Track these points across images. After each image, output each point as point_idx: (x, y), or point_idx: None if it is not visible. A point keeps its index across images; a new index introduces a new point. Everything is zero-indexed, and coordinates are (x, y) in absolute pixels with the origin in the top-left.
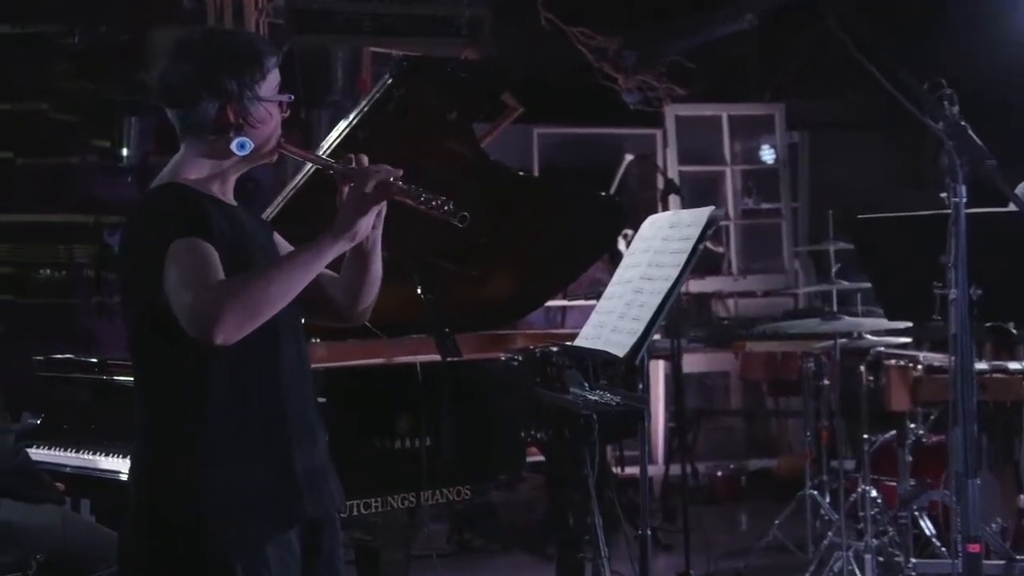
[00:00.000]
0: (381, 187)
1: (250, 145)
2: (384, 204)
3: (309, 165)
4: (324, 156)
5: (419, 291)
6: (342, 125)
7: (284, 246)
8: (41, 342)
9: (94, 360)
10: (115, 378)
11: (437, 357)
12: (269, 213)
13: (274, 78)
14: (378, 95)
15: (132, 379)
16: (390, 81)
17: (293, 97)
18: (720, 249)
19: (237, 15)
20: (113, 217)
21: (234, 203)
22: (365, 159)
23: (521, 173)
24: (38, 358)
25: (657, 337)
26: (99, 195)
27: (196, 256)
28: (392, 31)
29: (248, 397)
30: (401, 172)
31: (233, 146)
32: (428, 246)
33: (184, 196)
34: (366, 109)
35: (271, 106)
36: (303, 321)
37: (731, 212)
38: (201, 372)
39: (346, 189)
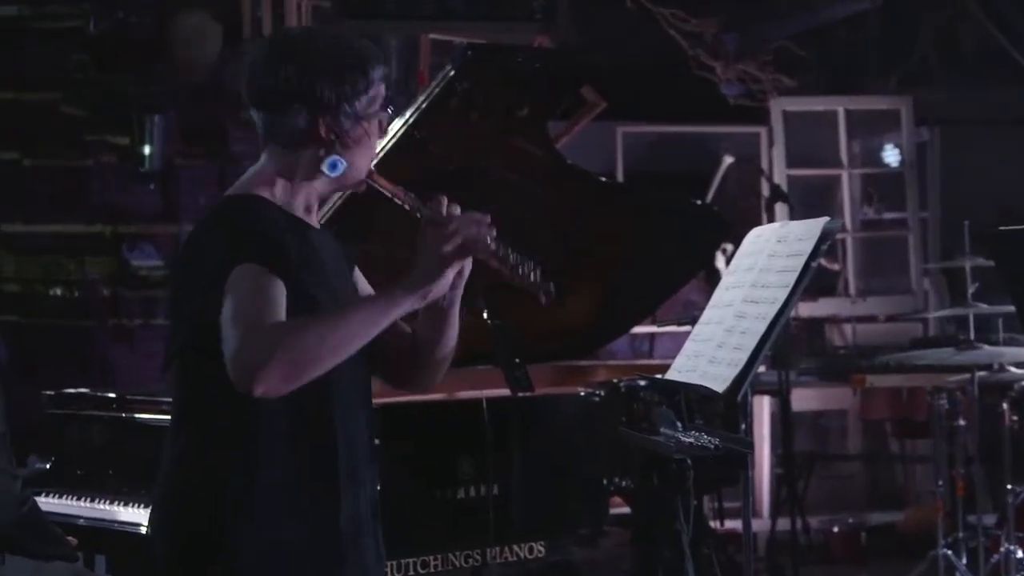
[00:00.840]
0: (468, 245)
1: (343, 166)
2: (468, 261)
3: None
4: (415, 196)
5: (485, 315)
6: (396, 124)
7: (363, 287)
8: (51, 372)
9: (112, 395)
10: (136, 416)
11: (506, 391)
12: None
13: (377, 93)
14: (438, 89)
15: (169, 410)
16: (452, 73)
17: (392, 112)
18: (836, 267)
19: None
20: (133, 227)
21: (318, 225)
22: (456, 208)
23: (602, 179)
24: (48, 393)
25: (762, 369)
26: (117, 202)
27: (257, 290)
28: (455, 15)
29: (300, 443)
30: (494, 230)
31: (325, 165)
32: None
33: (263, 214)
34: (424, 106)
35: (369, 126)
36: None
37: (848, 223)
38: (250, 410)
39: (428, 233)
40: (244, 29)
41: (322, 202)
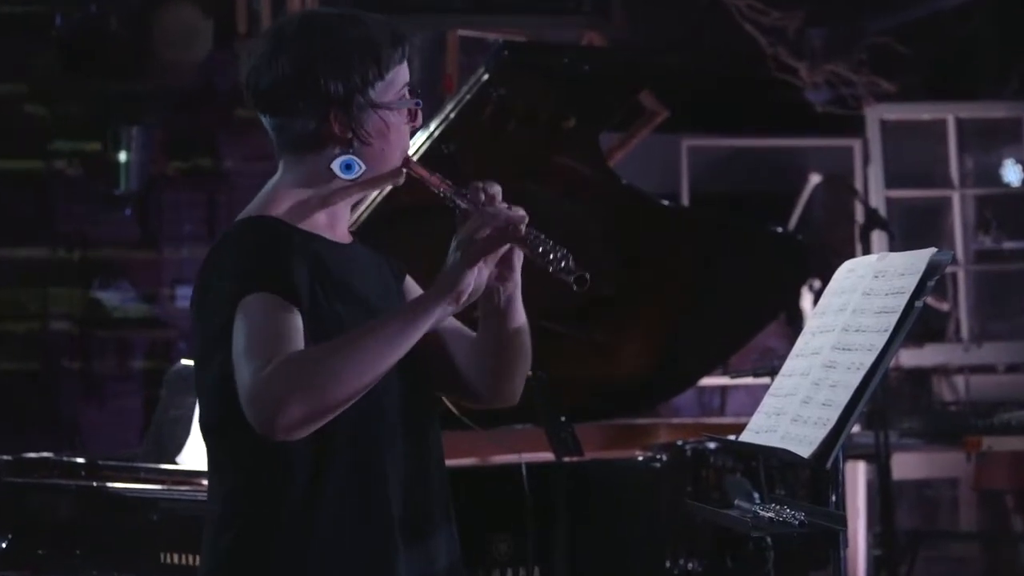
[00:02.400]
0: (497, 233)
1: (359, 166)
2: (518, 253)
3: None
4: (454, 184)
5: None
6: (420, 137)
7: (414, 295)
8: (6, 431)
9: (80, 460)
10: (108, 486)
11: (549, 456)
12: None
13: (399, 77)
14: (469, 96)
15: (148, 478)
16: (486, 77)
17: (421, 102)
18: (945, 306)
19: None
20: (103, 251)
21: (347, 239)
22: (497, 189)
23: (664, 202)
24: (3, 458)
25: (856, 430)
26: (87, 226)
27: (268, 320)
28: (488, 7)
29: (342, 496)
30: (526, 217)
31: (336, 166)
32: (536, 301)
33: (270, 236)
34: (452, 115)
35: (392, 114)
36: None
37: (960, 254)
38: (280, 470)
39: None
40: (238, 25)
41: (357, 206)
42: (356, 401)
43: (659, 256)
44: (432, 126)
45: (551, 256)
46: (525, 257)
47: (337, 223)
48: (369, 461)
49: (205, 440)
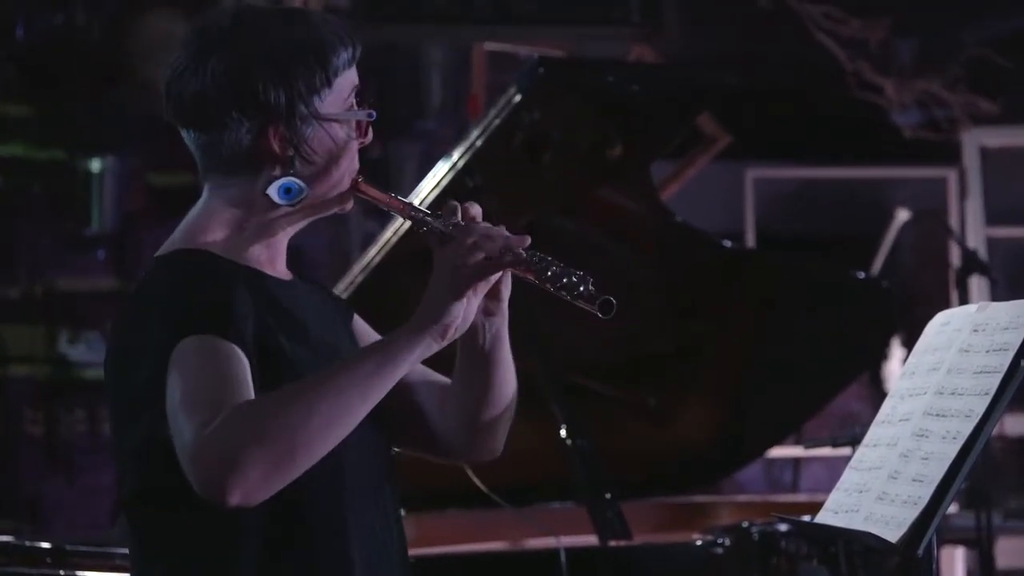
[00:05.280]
0: (493, 258)
1: (299, 189)
2: (507, 280)
3: (398, 220)
4: (419, 206)
5: (562, 432)
6: (442, 167)
7: (369, 339)
8: None
9: (46, 545)
10: (77, 574)
11: (593, 539)
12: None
13: (346, 83)
14: (498, 120)
15: (124, 565)
16: (518, 98)
17: (375, 113)
18: None
19: None
20: (73, 300)
21: (287, 275)
22: (478, 211)
23: (726, 243)
24: None
25: (953, 510)
26: (54, 276)
27: (209, 364)
28: (520, 18)
29: (302, 561)
30: (527, 239)
31: (273, 191)
32: (575, 357)
33: (201, 269)
34: (479, 143)
35: (339, 128)
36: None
37: None
38: (227, 543)
39: (440, 251)
40: None
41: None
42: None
43: (720, 307)
44: (455, 155)
45: (565, 280)
46: (533, 282)
47: (276, 257)
48: (331, 530)
49: (127, 516)
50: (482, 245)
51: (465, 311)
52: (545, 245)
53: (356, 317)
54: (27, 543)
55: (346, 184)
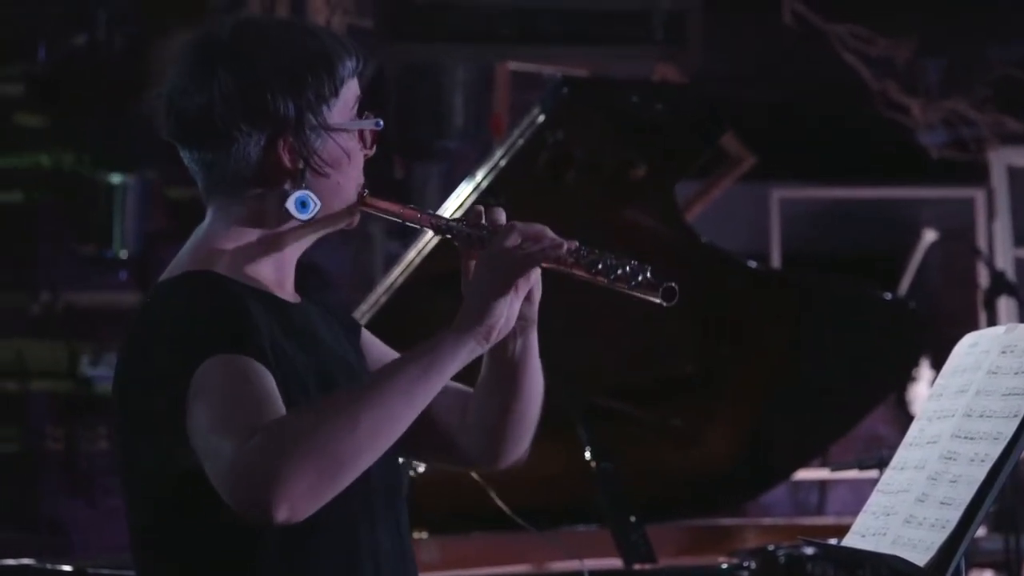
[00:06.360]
0: (533, 251)
1: (314, 203)
2: (537, 282)
3: (425, 236)
4: (437, 214)
5: (587, 454)
6: (465, 188)
7: (381, 354)
8: None
9: (67, 568)
10: None
11: (617, 562)
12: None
13: (350, 93)
14: (522, 140)
15: None
16: (542, 118)
17: (382, 123)
18: None
19: (296, 13)
20: (94, 322)
21: (296, 298)
22: (503, 215)
23: (751, 264)
24: None
25: (982, 533)
26: (74, 291)
27: (236, 384)
28: (544, 37)
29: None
30: (575, 242)
31: (290, 204)
32: (599, 378)
33: (212, 290)
34: (503, 163)
35: (347, 138)
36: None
37: None
38: (239, 567)
39: (474, 255)
40: None
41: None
42: None
43: (746, 327)
44: (479, 175)
45: (620, 272)
46: (583, 278)
47: (285, 280)
48: (341, 549)
49: (136, 542)
50: (527, 242)
51: (508, 311)
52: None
53: (364, 332)
54: (48, 566)
55: (353, 197)
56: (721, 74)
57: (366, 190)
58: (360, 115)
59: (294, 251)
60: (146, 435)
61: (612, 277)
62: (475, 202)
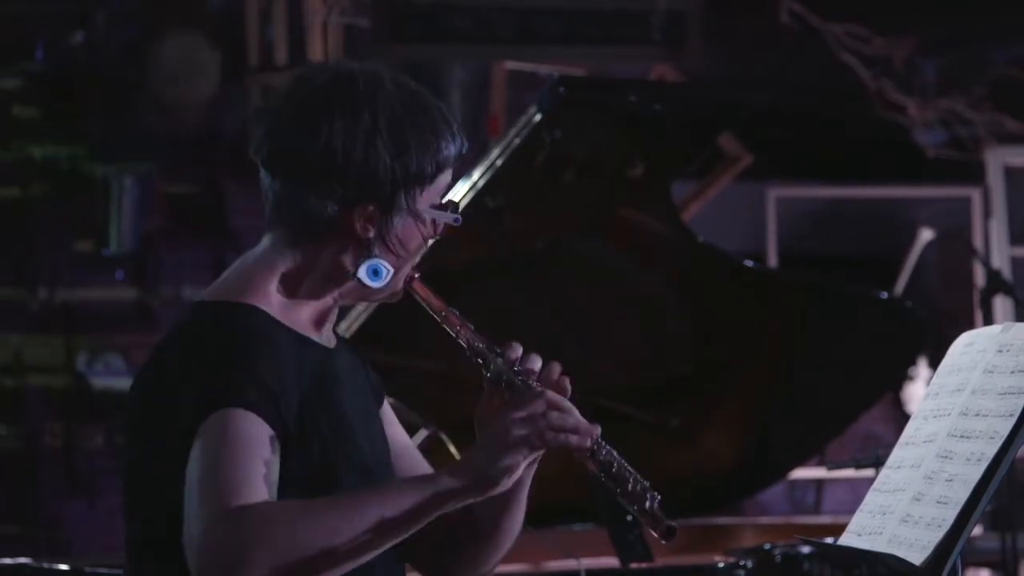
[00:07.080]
0: (556, 438)
1: (387, 273)
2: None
3: None
4: (475, 330)
5: None
6: (462, 187)
7: (393, 433)
8: None
9: (64, 568)
10: None
11: (613, 561)
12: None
13: (444, 180)
14: (519, 140)
15: None
16: (539, 117)
17: (461, 219)
18: None
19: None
20: (93, 331)
21: (332, 341)
22: (537, 361)
23: (748, 263)
24: None
25: (978, 532)
26: (72, 295)
27: (234, 447)
28: (541, 37)
29: None
30: (598, 430)
31: (363, 271)
32: (597, 379)
33: (253, 332)
34: (499, 163)
35: (425, 224)
36: None
37: None
38: None
39: (496, 399)
40: (250, 56)
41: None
42: None
43: (742, 328)
44: (475, 175)
45: (629, 487)
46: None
47: (325, 325)
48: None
49: (131, 556)
50: (551, 416)
51: (512, 474)
52: (563, 267)
53: (386, 403)
54: (45, 565)
55: (402, 282)
56: (718, 74)
57: (417, 273)
58: (445, 203)
59: (337, 304)
60: (150, 453)
61: (619, 490)
62: (473, 201)
